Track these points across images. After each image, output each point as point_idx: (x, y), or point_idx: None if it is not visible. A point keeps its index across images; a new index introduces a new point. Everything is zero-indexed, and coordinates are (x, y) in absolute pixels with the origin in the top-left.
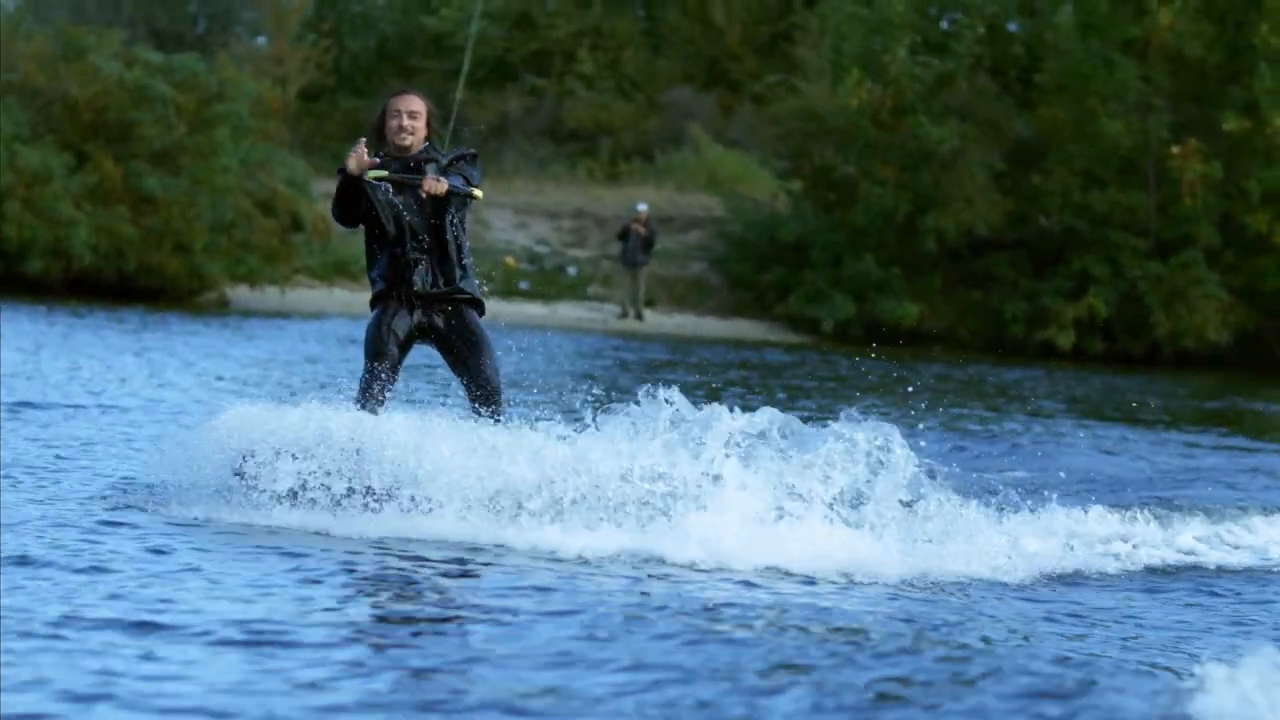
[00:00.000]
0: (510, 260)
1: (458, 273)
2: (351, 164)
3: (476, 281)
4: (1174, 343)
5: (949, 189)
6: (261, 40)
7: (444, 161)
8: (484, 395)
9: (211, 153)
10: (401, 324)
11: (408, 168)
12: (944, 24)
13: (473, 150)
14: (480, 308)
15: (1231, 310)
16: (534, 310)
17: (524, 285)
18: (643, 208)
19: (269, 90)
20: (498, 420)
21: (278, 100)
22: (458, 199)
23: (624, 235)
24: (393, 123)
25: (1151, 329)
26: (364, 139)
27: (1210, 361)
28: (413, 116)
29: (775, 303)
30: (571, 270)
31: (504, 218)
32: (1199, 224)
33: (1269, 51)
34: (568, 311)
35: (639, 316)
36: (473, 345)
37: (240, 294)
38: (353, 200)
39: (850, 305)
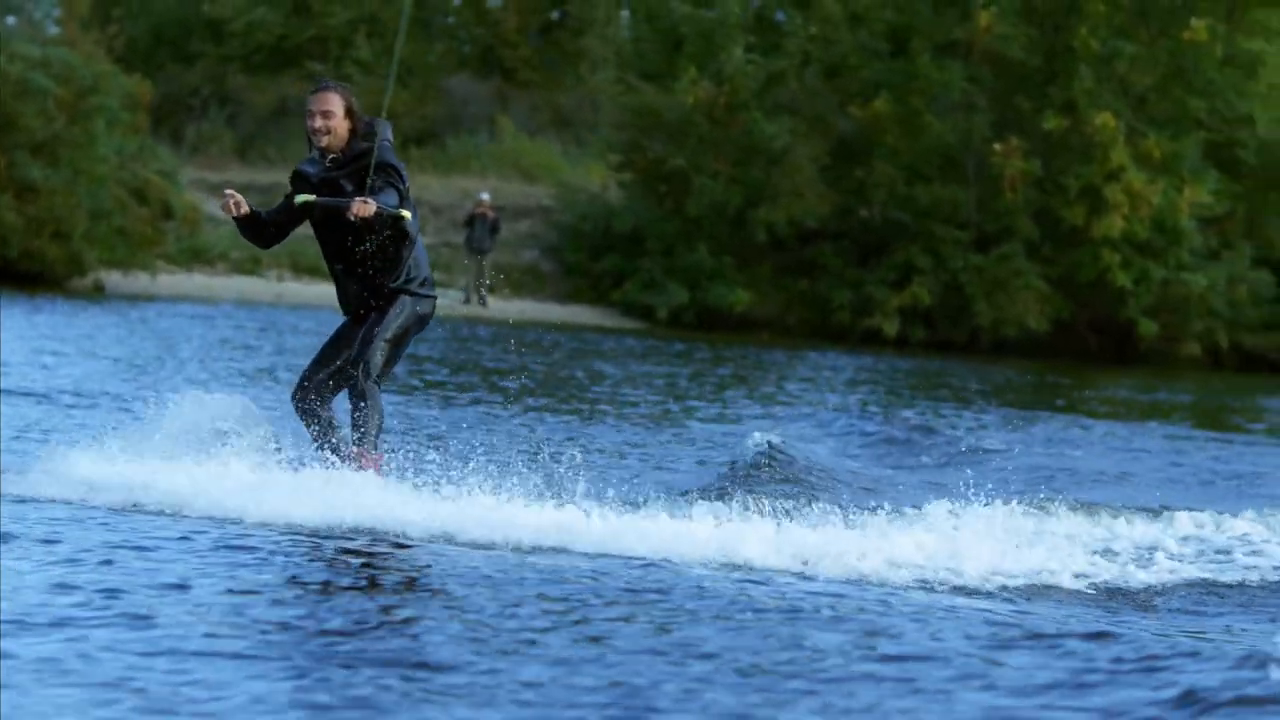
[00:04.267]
0: None
1: (389, 278)
2: (229, 212)
3: (426, 274)
4: (995, 331)
5: (779, 182)
6: (12, 20)
7: (362, 163)
8: (355, 355)
9: (88, 143)
10: (348, 330)
11: (328, 176)
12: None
13: (390, 161)
14: (413, 298)
15: (1049, 300)
16: None
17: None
18: (485, 196)
19: (138, 84)
20: (357, 384)
21: (147, 94)
22: (383, 219)
23: (470, 222)
24: (308, 124)
25: (973, 317)
26: (231, 191)
27: (1027, 349)
28: (326, 116)
29: (611, 290)
30: None
31: None
32: (1018, 218)
33: (1087, 54)
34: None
35: (483, 302)
36: (377, 316)
37: (114, 280)
38: (252, 234)
39: (684, 293)
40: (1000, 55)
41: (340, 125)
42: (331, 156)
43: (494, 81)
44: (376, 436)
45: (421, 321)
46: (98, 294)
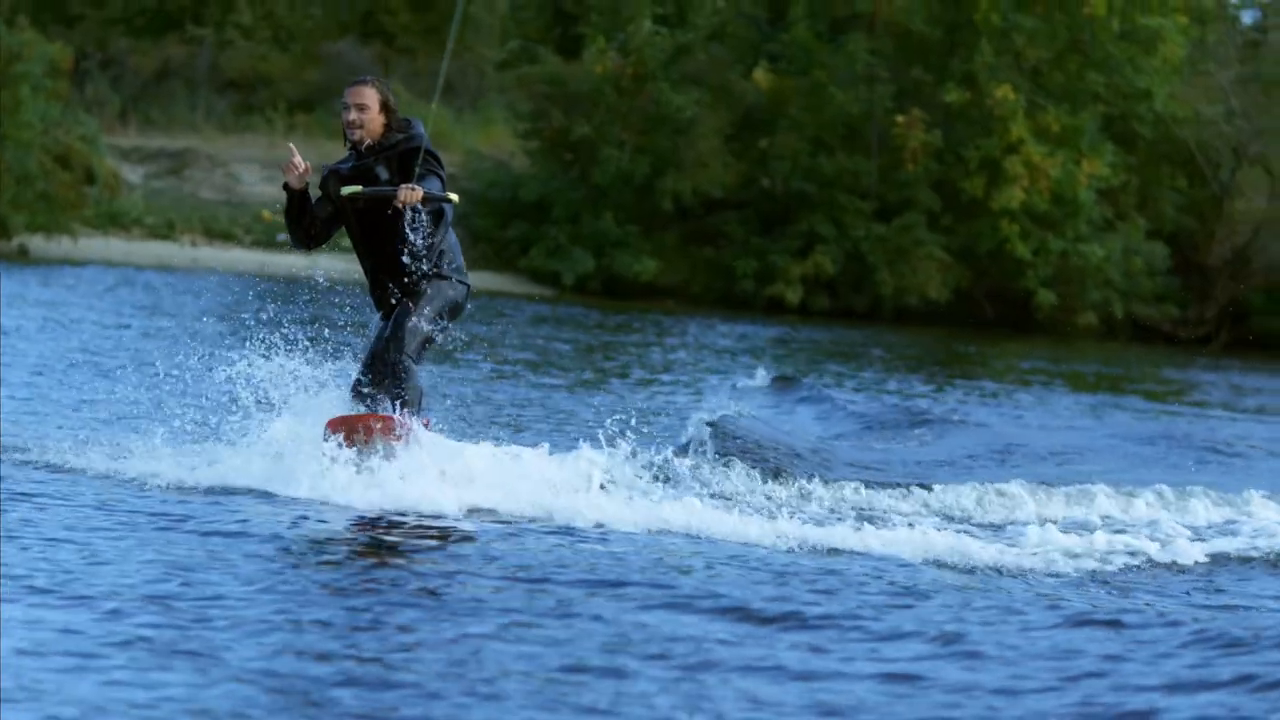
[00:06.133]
0: (267, 213)
1: (424, 264)
2: (292, 179)
3: (459, 261)
4: (897, 299)
5: (685, 152)
6: None
7: (397, 149)
8: (389, 334)
9: (15, 109)
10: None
11: (361, 164)
12: None
13: (429, 148)
14: (447, 282)
15: (949, 270)
16: (298, 261)
17: (282, 237)
18: None
19: (59, 51)
20: (391, 359)
21: (69, 61)
22: (432, 203)
23: None
24: (343, 116)
25: (876, 286)
26: (294, 147)
27: (927, 317)
28: (360, 109)
29: (518, 257)
30: None
31: (252, 171)
32: (919, 188)
33: (988, 28)
34: (329, 263)
35: None
36: (411, 299)
37: (36, 243)
38: (297, 217)
39: (590, 260)
40: (902, 27)
41: (374, 119)
42: (366, 145)
43: (375, 47)
44: (419, 404)
45: (455, 307)
46: (22, 258)
